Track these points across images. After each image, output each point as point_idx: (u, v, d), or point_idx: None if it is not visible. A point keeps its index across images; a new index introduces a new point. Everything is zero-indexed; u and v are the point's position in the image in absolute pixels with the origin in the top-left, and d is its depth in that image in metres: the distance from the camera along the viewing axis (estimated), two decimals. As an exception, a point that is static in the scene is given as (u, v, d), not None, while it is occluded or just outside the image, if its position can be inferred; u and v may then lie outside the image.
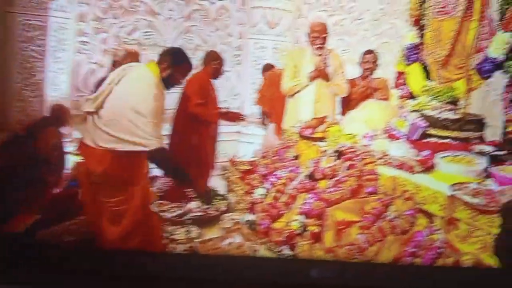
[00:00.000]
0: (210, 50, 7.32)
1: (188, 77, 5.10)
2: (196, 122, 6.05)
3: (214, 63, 6.32)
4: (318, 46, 6.40)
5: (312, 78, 6.41)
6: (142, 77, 4.44)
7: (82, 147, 4.43)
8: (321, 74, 6.35)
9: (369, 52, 6.90)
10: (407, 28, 6.11)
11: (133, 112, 4.20)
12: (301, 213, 4.30)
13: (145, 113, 4.19)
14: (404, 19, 6.66)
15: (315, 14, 7.35)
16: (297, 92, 6.50)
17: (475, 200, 3.73)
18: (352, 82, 6.61)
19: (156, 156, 4.29)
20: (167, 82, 4.50)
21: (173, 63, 4.52)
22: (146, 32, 8.30)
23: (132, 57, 5.89)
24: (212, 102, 6.33)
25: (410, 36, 5.97)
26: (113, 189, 4.36)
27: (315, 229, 4.16)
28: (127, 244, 4.42)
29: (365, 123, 5.66)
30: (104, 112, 4.32)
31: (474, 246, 3.78)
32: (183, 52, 4.80)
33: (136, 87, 4.38)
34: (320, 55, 6.41)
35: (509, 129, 4.97)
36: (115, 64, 5.75)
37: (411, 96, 5.93)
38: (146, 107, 4.23)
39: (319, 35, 6.38)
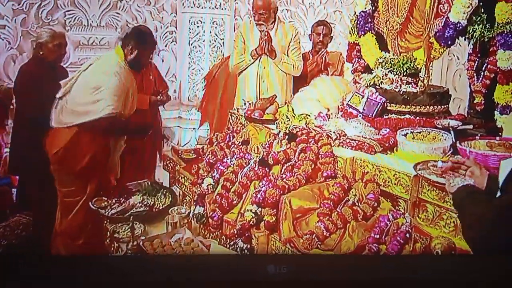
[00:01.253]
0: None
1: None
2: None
3: None
4: (257, 22, 6.38)
5: (255, 56, 6.38)
6: (106, 60, 5.17)
7: (49, 132, 5.11)
8: (264, 51, 6.32)
9: (321, 23, 6.88)
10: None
11: (93, 88, 4.95)
12: (254, 203, 4.26)
13: (102, 86, 4.94)
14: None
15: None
16: (243, 70, 6.49)
17: (442, 180, 3.62)
18: (302, 57, 6.60)
19: (109, 124, 5.00)
20: (135, 64, 5.23)
21: (137, 44, 5.15)
22: (68, 10, 8.19)
23: (58, 38, 5.90)
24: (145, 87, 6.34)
25: (362, 3, 5.93)
26: (68, 176, 5.09)
27: (271, 219, 4.13)
28: (74, 241, 5.16)
29: (317, 102, 5.67)
30: (70, 95, 5.04)
31: (444, 229, 3.84)
32: (145, 31, 5.44)
33: (100, 69, 5.08)
34: (262, 31, 6.38)
35: (476, 101, 5.00)
36: (42, 48, 5.76)
37: (366, 70, 5.96)
38: (105, 81, 4.97)
39: (256, 11, 6.35)
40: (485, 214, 2.69)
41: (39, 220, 5.76)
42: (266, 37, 6.28)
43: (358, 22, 5.98)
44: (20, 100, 5.91)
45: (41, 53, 5.79)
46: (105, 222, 4.97)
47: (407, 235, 3.72)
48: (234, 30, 8.81)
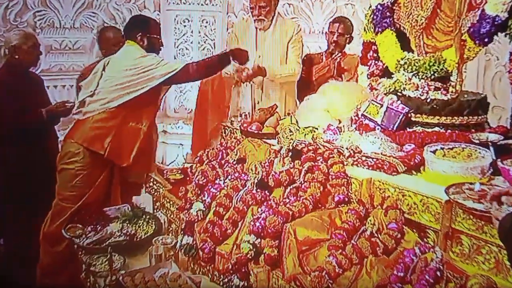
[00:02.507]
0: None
1: None
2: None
3: None
4: (257, 17, 6.29)
5: (239, 81, 6.30)
6: (126, 52, 5.65)
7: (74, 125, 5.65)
8: (254, 73, 6.17)
9: (337, 20, 6.83)
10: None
11: (135, 69, 5.41)
12: (252, 232, 4.15)
13: (143, 64, 5.42)
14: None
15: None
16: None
17: (480, 206, 3.55)
18: (312, 59, 6.49)
19: (185, 73, 5.54)
20: (152, 49, 5.69)
21: (142, 29, 5.65)
22: (39, 11, 8.38)
23: (31, 38, 6.26)
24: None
25: (379, -6, 5.90)
26: (76, 178, 5.47)
27: (272, 252, 3.98)
28: (53, 248, 5.50)
29: (327, 112, 5.64)
30: (100, 88, 5.51)
31: (483, 266, 3.67)
32: (138, 15, 6.40)
33: (128, 59, 5.53)
34: (261, 29, 6.30)
35: (520, 110, 4.88)
36: (16, 51, 6.07)
37: (385, 74, 5.85)
38: (143, 60, 5.47)
39: (257, 3, 6.29)
40: None
41: (10, 250, 6.08)
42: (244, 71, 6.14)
43: (375, 17, 5.90)
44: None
45: (16, 57, 6.06)
46: (80, 253, 4.93)
47: (438, 273, 3.49)
48: (227, 30, 8.98)
